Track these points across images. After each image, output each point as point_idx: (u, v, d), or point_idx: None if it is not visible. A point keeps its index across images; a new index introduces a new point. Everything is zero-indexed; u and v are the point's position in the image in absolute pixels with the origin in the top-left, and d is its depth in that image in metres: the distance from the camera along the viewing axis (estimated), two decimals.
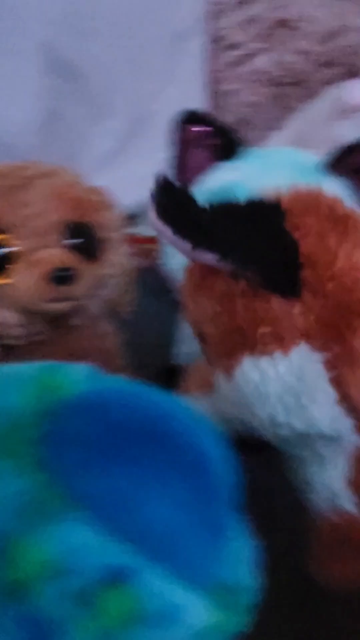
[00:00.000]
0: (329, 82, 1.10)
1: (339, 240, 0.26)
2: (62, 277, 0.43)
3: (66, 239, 0.45)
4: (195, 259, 0.26)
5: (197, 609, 0.19)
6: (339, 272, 0.25)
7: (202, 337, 0.30)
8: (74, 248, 0.45)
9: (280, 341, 0.25)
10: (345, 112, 0.98)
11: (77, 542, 0.18)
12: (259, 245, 0.24)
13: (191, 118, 0.44)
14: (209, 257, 0.25)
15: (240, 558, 0.22)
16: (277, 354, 0.25)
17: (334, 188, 0.43)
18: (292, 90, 1.11)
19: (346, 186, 0.43)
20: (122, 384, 0.21)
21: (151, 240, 0.74)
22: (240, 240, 0.24)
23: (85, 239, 0.47)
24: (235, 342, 0.27)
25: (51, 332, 0.48)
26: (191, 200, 0.27)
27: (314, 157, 0.45)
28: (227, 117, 1.15)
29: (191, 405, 0.21)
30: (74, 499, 0.18)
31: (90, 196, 0.48)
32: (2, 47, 0.88)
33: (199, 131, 0.44)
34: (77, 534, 0.18)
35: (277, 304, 0.25)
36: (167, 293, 0.79)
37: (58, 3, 0.93)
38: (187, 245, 0.25)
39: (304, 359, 0.25)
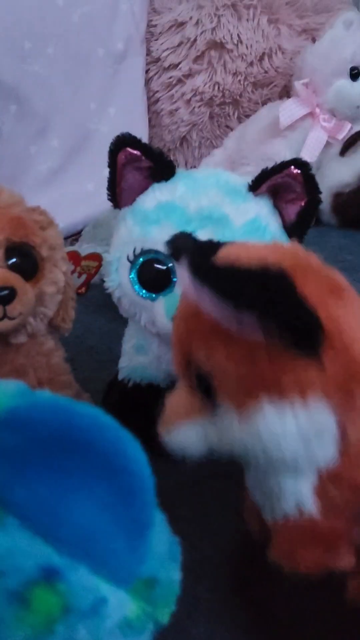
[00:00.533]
0: (263, 101, 1.15)
1: (337, 310, 0.30)
2: (3, 296, 0.44)
3: (7, 258, 0.46)
4: (231, 321, 0.28)
5: (122, 601, 0.21)
6: (347, 342, 0.29)
7: (199, 374, 0.31)
8: (15, 267, 0.47)
9: (301, 391, 0.28)
10: (278, 130, 1.03)
11: (10, 545, 0.19)
12: (290, 313, 0.27)
13: (124, 142, 0.46)
14: (250, 321, 0.27)
15: (161, 554, 0.24)
16: (297, 403, 0.28)
17: (258, 206, 0.46)
18: (228, 109, 1.15)
19: (267, 205, 0.47)
20: (48, 399, 0.22)
21: (93, 257, 0.76)
22: (274, 307, 0.27)
23: (26, 258, 0.48)
24: (255, 385, 0.29)
25: None
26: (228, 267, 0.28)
27: (240, 178, 0.48)
28: (166, 136, 1.19)
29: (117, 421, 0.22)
30: (3, 506, 0.20)
31: (31, 216, 0.49)
32: None
33: (130, 155, 0.46)
34: (10, 538, 0.19)
35: (300, 360, 0.28)
36: (112, 309, 0.81)
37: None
38: (229, 308, 0.27)
39: (319, 409, 0.29)
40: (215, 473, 0.54)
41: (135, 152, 0.46)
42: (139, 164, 0.47)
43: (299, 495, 0.33)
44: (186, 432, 0.33)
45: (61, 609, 0.19)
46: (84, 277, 0.77)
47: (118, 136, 0.46)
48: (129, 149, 0.46)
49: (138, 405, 0.57)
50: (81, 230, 0.99)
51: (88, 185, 1.07)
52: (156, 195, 0.47)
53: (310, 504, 0.33)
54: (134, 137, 0.46)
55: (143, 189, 0.48)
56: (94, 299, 0.88)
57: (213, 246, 0.33)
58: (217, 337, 0.29)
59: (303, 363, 0.28)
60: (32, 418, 0.21)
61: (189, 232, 0.30)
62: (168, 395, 0.35)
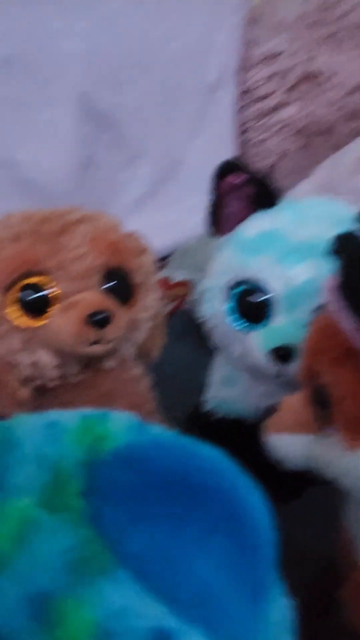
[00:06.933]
0: (356, 133, 1.12)
1: None
2: (99, 320, 0.44)
3: (103, 282, 0.46)
4: None
5: None
6: None
7: (320, 393, 0.30)
8: (110, 291, 0.46)
9: None
10: None
11: (122, 604, 0.17)
12: None
13: (229, 168, 0.45)
14: None
15: (278, 620, 0.21)
16: None
17: None
18: (319, 140, 1.13)
19: None
20: (163, 436, 0.21)
21: (182, 284, 0.75)
22: None
23: (121, 282, 0.47)
24: None
25: (84, 374, 0.48)
26: None
27: (347, 209, 0.45)
28: (254, 165, 1.18)
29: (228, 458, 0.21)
30: (115, 555, 0.18)
31: (127, 241, 0.49)
32: (43, 97, 0.92)
33: (235, 181, 0.45)
34: (121, 595, 0.17)
35: None
36: (192, 337, 0.80)
37: (96, 55, 0.97)
38: None
39: None
40: (305, 521, 0.51)
41: (240, 178, 0.45)
42: (242, 190, 0.46)
43: None
44: (289, 443, 0.32)
45: None
46: (172, 304, 0.77)
47: (223, 162, 0.45)
48: (234, 176, 0.45)
49: (223, 440, 0.55)
50: (164, 257, 0.99)
51: (174, 212, 1.08)
52: (258, 224, 0.46)
53: None
54: (240, 163, 0.45)
55: (244, 217, 0.47)
56: (175, 326, 0.88)
57: None
58: (349, 365, 0.27)
59: None
60: (150, 456, 0.19)
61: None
62: (285, 398, 0.34)
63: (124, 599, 0.17)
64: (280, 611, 0.22)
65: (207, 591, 0.18)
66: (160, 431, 0.21)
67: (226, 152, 1.15)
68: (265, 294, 0.45)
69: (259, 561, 0.19)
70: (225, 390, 0.55)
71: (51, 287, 0.44)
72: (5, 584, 0.17)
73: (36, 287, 0.44)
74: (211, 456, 0.19)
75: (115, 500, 0.19)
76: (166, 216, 1.06)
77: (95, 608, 0.17)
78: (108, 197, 1.04)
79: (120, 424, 0.22)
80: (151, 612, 0.17)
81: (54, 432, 0.21)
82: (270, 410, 0.35)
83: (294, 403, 0.33)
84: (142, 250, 0.51)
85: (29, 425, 0.22)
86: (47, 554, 0.18)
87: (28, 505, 0.19)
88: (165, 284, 0.76)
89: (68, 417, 0.22)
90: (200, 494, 0.19)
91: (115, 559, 0.18)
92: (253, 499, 0.19)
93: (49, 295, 0.44)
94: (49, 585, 0.17)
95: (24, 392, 0.46)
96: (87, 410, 0.23)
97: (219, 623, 0.18)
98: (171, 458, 0.19)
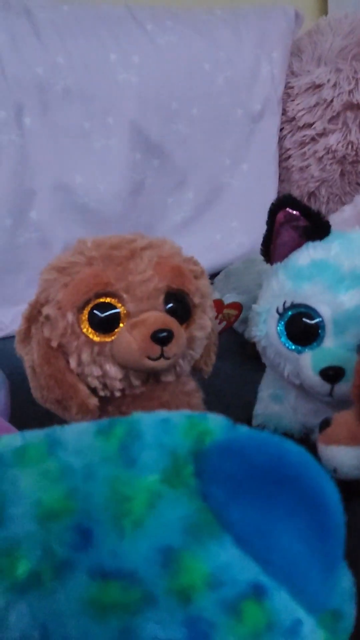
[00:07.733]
0: None
1: None
2: (162, 337, 0.48)
3: (166, 302, 0.50)
4: None
5: (313, 628, 0.22)
6: None
7: None
8: (172, 311, 0.50)
9: None
10: None
11: (227, 560, 0.22)
12: None
13: (285, 202, 0.49)
14: None
15: (345, 589, 0.25)
16: None
17: None
18: (358, 168, 1.16)
19: None
20: (255, 433, 0.25)
21: (233, 305, 0.79)
22: None
23: (181, 303, 0.52)
24: None
25: (145, 387, 0.52)
26: None
27: None
28: (295, 191, 1.22)
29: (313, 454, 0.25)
30: (220, 524, 0.22)
31: (187, 265, 0.53)
32: (99, 126, 0.98)
33: (290, 214, 0.49)
34: (226, 554, 0.22)
35: None
36: (237, 355, 0.83)
37: (148, 86, 1.03)
38: None
39: None
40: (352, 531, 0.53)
41: (294, 212, 0.49)
42: (296, 223, 0.50)
43: None
44: (343, 454, 0.36)
45: (266, 625, 0.22)
46: (223, 324, 0.81)
47: (279, 197, 0.49)
48: (289, 209, 0.49)
49: None
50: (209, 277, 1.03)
51: (216, 235, 1.12)
52: (310, 253, 0.50)
53: None
54: (295, 198, 0.49)
55: (296, 246, 0.51)
56: (221, 344, 0.91)
57: None
58: None
59: None
60: (248, 448, 0.23)
61: None
62: (338, 414, 0.37)
63: (229, 557, 0.22)
64: (346, 582, 0.26)
65: (292, 558, 0.23)
66: (248, 429, 0.25)
67: (268, 178, 1.19)
68: (316, 318, 0.49)
69: (333, 538, 0.23)
70: (273, 407, 0.58)
71: (120, 307, 0.48)
72: (141, 538, 0.22)
73: (107, 306, 0.48)
74: (297, 451, 0.24)
75: (218, 481, 0.23)
76: (210, 238, 1.10)
77: (208, 562, 0.22)
78: (156, 219, 1.09)
79: (218, 423, 0.26)
80: (250, 569, 0.22)
81: (168, 427, 0.26)
82: (324, 424, 0.38)
83: (347, 418, 0.37)
84: (199, 274, 0.55)
85: (147, 420, 0.26)
86: (170, 518, 0.23)
87: (155, 480, 0.24)
88: (219, 304, 0.80)
89: (175, 415, 0.27)
90: (288, 481, 0.23)
91: (220, 527, 0.22)
92: (329, 488, 0.23)
93: (119, 314, 0.48)
94: (173, 542, 0.22)
95: (93, 401, 0.50)
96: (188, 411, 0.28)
97: (301, 585, 0.22)
98: (264, 450, 0.23)
